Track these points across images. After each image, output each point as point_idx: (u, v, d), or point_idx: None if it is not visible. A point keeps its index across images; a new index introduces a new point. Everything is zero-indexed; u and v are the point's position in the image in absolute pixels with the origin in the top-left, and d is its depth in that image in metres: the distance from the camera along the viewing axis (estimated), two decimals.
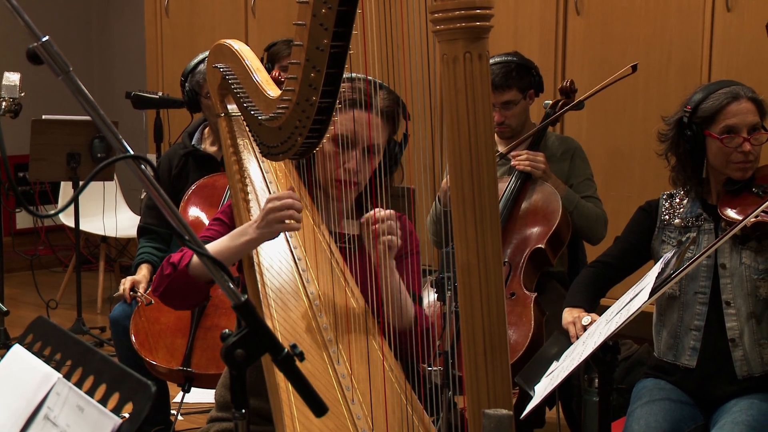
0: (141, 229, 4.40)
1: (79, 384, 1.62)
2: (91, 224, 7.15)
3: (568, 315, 3.23)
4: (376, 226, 2.58)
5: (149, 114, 6.72)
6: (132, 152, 1.60)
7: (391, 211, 2.61)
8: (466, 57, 1.98)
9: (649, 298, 2.50)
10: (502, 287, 2.05)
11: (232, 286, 1.67)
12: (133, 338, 3.86)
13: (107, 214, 7.13)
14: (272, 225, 2.55)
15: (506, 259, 3.91)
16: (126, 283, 4.19)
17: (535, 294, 3.78)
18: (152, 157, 6.40)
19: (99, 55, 8.81)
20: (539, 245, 3.91)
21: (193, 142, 4.41)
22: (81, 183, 6.26)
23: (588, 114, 5.14)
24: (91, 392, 1.59)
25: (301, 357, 1.70)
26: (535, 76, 4.21)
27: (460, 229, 2.03)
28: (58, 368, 1.68)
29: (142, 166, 1.63)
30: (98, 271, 7.21)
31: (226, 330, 1.71)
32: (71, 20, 8.65)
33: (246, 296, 1.66)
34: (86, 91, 1.59)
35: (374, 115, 2.71)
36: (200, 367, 3.75)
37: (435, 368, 2.62)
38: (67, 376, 1.65)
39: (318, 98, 2.40)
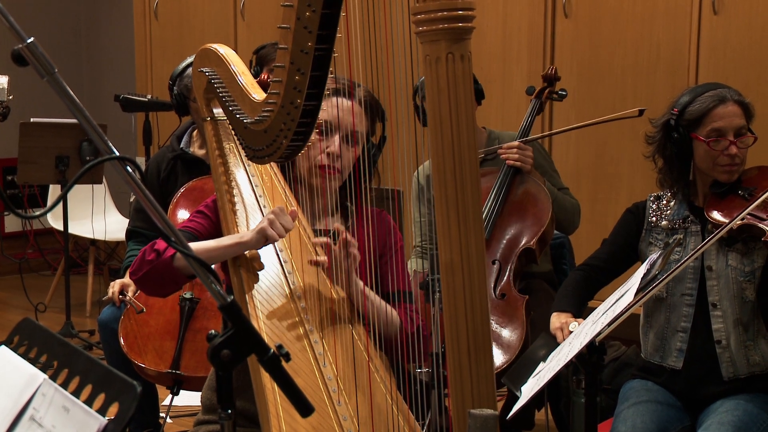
0: (130, 233, 4.40)
1: (65, 385, 1.63)
2: (80, 227, 7.16)
3: (556, 320, 3.24)
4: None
5: (138, 117, 6.73)
6: (118, 154, 1.61)
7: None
8: (449, 57, 2.00)
9: (637, 300, 2.51)
10: (486, 287, 2.07)
11: (218, 287, 1.69)
12: (122, 341, 3.86)
13: (96, 217, 7.14)
14: (268, 232, 2.59)
15: (496, 258, 3.91)
16: (115, 286, 4.19)
17: (527, 297, 3.79)
18: (141, 160, 6.40)
19: (88, 57, 8.82)
20: (530, 245, 3.91)
21: (181, 145, 4.41)
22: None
23: (577, 116, 5.17)
24: (77, 393, 1.60)
25: (287, 357, 1.72)
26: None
27: (444, 228, 2.05)
28: (44, 369, 1.69)
29: (128, 168, 1.64)
30: (87, 275, 7.21)
31: (212, 331, 1.73)
32: (60, 23, 8.66)
33: (232, 297, 1.68)
34: (71, 93, 1.60)
35: (355, 103, 2.75)
36: (189, 370, 3.75)
37: (422, 369, 2.64)
38: (53, 377, 1.66)
39: (303, 101, 2.42)
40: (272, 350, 1.69)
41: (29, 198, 8.00)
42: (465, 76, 2.03)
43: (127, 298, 4.04)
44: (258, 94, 2.60)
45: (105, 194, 7.27)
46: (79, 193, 7.03)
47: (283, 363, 1.72)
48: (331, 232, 2.73)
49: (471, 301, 2.06)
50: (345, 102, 2.76)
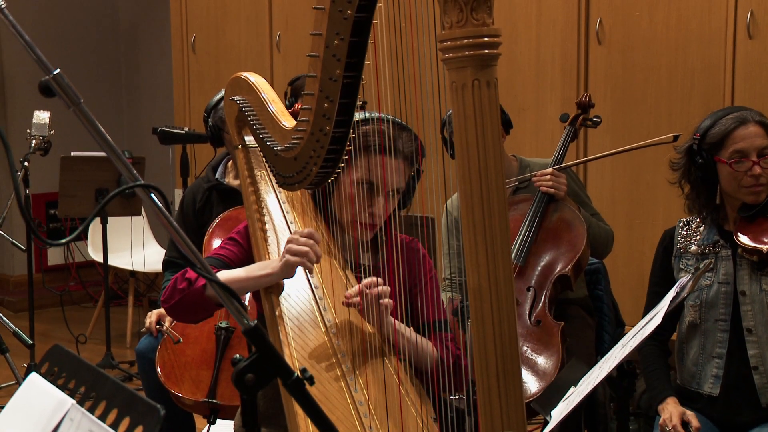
0: (166, 263, 4.43)
1: (92, 409, 1.65)
2: (120, 259, 7.22)
3: (672, 410, 3.22)
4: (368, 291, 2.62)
5: (177, 149, 6.79)
6: (142, 181, 1.63)
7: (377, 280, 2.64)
8: (475, 84, 2.00)
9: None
10: (514, 311, 2.06)
11: (242, 311, 1.70)
12: (159, 371, 3.88)
13: (135, 249, 7.20)
14: (289, 261, 2.59)
15: (531, 285, 3.90)
16: (152, 316, 4.22)
17: (562, 323, 3.77)
18: (179, 192, 6.45)
19: (128, 92, 8.91)
20: (565, 272, 3.90)
21: (216, 176, 4.45)
22: (108, 218, 6.32)
23: (612, 143, 5.16)
24: (103, 417, 1.62)
25: (311, 381, 1.73)
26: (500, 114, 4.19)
27: (471, 253, 2.05)
28: (72, 394, 1.71)
29: (153, 196, 1.66)
30: (127, 306, 7.25)
31: (237, 355, 1.74)
32: (101, 58, 8.76)
33: (255, 321, 1.69)
34: (97, 123, 1.62)
35: (399, 161, 2.74)
36: (225, 399, 3.76)
37: (456, 396, 2.63)
38: (81, 402, 1.68)
39: (332, 128, 2.44)
40: (296, 374, 1.69)
41: (71, 231, 8.07)
42: (491, 102, 2.03)
43: (164, 328, 4.06)
44: (288, 122, 2.62)
45: (144, 226, 7.33)
46: (118, 225, 7.09)
47: (308, 387, 1.73)
48: (362, 266, 2.74)
49: (499, 326, 2.05)
50: (389, 161, 2.73)
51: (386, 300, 2.61)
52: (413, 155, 2.78)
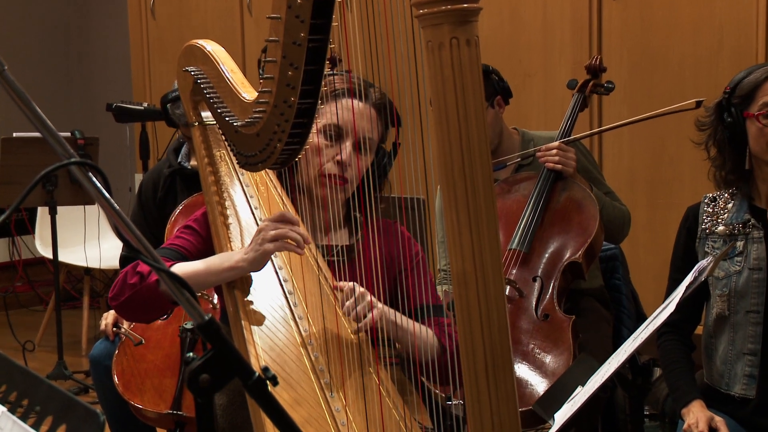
0: (124, 259, 4.44)
1: (24, 417, 1.68)
2: (72, 255, 7.21)
3: (696, 416, 3.23)
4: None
5: (135, 128, 6.81)
6: (77, 158, 1.66)
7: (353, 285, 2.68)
8: (453, 43, 2.01)
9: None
10: (504, 299, 2.08)
11: (194, 304, 1.72)
12: (116, 379, 3.88)
13: (90, 243, 7.18)
14: (267, 248, 2.62)
15: (538, 274, 3.92)
16: (108, 317, 4.23)
17: (573, 317, 3.79)
18: (140, 177, 6.47)
19: (79, 62, 8.91)
20: (575, 258, 3.92)
21: (179, 159, 4.44)
22: (56, 208, 6.31)
23: (629, 112, 5.17)
24: (37, 425, 1.65)
25: (274, 381, 1.75)
26: (497, 81, 4.22)
27: (454, 234, 2.06)
28: (2, 401, 1.74)
29: (90, 174, 1.69)
30: (82, 308, 7.26)
31: (191, 353, 1.76)
32: (48, 24, 8.75)
33: (210, 315, 1.71)
34: (23, 91, 1.65)
35: (369, 107, 2.80)
36: (192, 410, 3.77)
37: (455, 401, 2.67)
38: (13, 409, 1.71)
39: (297, 99, 2.45)
40: (257, 373, 1.72)
41: (17, 224, 8.07)
42: (472, 62, 2.04)
43: (122, 330, 4.07)
44: (249, 94, 2.63)
45: (98, 217, 7.29)
46: (69, 216, 7.08)
47: (275, 390, 1.76)
48: (335, 247, 2.77)
49: (487, 316, 2.07)
50: (359, 105, 2.81)
51: (374, 312, 2.65)
52: (385, 109, 2.83)
